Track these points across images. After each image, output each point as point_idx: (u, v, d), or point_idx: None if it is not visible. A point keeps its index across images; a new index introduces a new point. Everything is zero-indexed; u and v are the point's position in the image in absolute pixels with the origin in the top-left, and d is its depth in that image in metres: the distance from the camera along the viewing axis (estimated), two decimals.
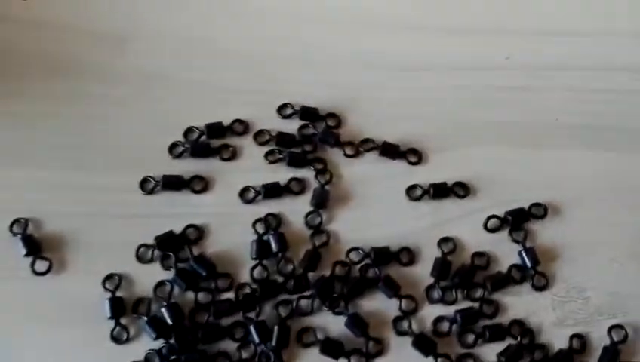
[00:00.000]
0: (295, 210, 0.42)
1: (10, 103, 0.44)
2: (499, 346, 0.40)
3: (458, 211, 0.43)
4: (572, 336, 0.40)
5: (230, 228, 0.42)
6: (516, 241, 0.42)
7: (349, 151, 0.44)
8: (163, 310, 0.38)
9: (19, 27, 0.46)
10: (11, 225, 0.40)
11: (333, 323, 0.40)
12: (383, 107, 0.45)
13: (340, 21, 0.48)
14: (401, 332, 0.40)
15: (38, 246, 0.40)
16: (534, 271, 0.41)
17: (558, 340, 0.40)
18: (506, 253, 0.42)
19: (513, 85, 0.47)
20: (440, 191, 0.43)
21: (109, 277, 0.40)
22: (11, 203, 0.41)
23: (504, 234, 0.42)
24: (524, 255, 0.41)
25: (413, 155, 0.44)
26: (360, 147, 0.44)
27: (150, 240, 0.41)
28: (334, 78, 0.46)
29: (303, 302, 0.40)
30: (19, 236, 0.40)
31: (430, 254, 0.42)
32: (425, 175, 0.44)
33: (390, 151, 0.44)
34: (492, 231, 0.42)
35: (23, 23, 0.46)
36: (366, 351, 0.39)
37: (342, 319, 0.40)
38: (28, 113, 0.44)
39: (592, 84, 0.47)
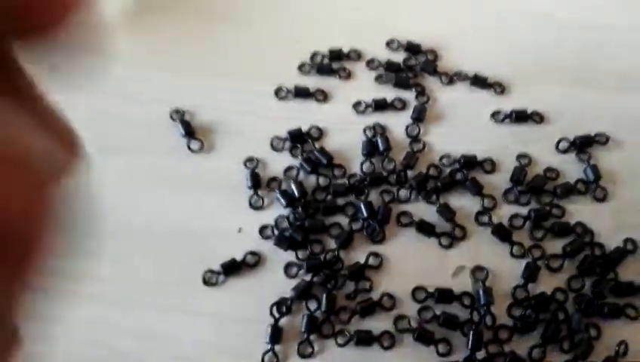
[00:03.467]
0: (397, 122, 0.52)
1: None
2: (562, 242, 0.48)
3: (534, 134, 0.51)
4: (626, 239, 0.47)
5: (344, 132, 0.51)
6: (582, 161, 0.50)
7: (444, 79, 0.53)
8: (292, 185, 0.48)
9: None
10: (171, 113, 0.51)
11: (425, 211, 0.48)
12: (475, 45, 0.55)
13: None
14: (481, 223, 0.48)
15: (192, 130, 0.50)
16: (596, 185, 0.49)
17: (614, 243, 0.47)
18: (573, 171, 0.50)
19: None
20: (520, 116, 0.51)
21: (249, 159, 0.49)
22: (171, 96, 0.51)
23: (572, 156, 0.51)
24: (588, 170, 0.49)
25: (498, 87, 0.53)
26: (454, 77, 0.53)
27: (281, 136, 0.50)
28: (435, 20, 0.56)
29: (402, 192, 0.49)
30: (177, 121, 0.50)
31: (508, 167, 0.50)
32: (508, 104, 0.52)
33: (479, 82, 0.53)
34: (562, 151, 0.51)
35: None
36: (452, 234, 0.48)
37: (433, 208, 0.48)
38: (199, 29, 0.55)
39: None
